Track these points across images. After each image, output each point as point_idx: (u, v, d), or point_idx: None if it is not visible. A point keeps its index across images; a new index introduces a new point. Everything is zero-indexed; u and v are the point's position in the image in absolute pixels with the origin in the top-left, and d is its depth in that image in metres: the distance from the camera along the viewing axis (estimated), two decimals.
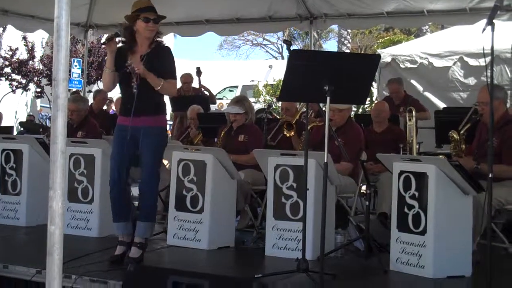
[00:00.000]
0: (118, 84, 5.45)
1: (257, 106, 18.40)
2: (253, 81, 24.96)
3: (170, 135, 9.76)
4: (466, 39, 10.58)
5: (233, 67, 30.70)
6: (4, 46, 18.69)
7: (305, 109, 6.30)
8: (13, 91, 16.97)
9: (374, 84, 11.41)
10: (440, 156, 5.63)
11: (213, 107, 13.15)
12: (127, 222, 5.40)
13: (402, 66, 11.11)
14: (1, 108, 10.21)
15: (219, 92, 25.03)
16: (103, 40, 5.32)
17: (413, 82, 10.94)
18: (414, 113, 7.37)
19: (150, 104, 5.24)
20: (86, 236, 6.45)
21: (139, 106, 5.21)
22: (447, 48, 10.95)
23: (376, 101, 11.13)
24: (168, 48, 5.38)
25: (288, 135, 6.98)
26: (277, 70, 24.55)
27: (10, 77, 18.57)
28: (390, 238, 5.35)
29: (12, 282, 5.15)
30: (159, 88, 5.20)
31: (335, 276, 4.93)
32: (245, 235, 6.55)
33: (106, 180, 6.45)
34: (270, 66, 29.45)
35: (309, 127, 5.38)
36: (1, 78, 18.58)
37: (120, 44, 5.37)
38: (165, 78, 5.25)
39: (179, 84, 8.82)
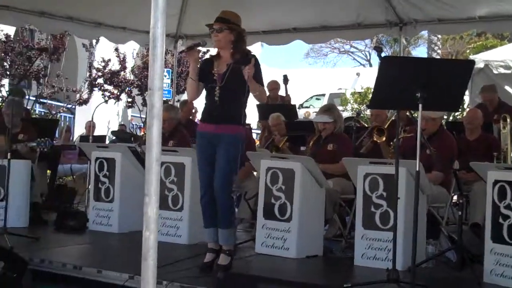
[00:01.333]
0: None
1: (344, 114, 18.23)
2: (340, 89, 24.80)
3: (258, 144, 9.80)
4: None
5: (320, 75, 30.59)
6: (97, 58, 19.21)
7: (394, 118, 6.21)
8: (106, 101, 17.43)
9: (466, 91, 11.12)
10: None
11: (300, 116, 13.15)
12: (215, 229, 5.43)
13: (495, 71, 10.80)
14: (95, 117, 10.50)
15: (306, 101, 25.00)
16: (183, 48, 5.38)
17: (508, 88, 10.61)
18: (508, 120, 7.13)
19: (232, 113, 5.27)
20: (176, 243, 6.55)
21: (220, 114, 5.28)
22: None
23: (467, 108, 10.85)
24: (254, 57, 5.35)
25: (378, 141, 6.88)
26: (365, 78, 24.30)
27: (103, 88, 19.08)
28: (484, 249, 5.19)
29: (105, 287, 5.27)
30: (256, 93, 5.24)
31: (427, 287, 4.81)
32: (333, 244, 6.51)
33: (196, 188, 6.53)
34: (358, 74, 29.20)
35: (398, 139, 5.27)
36: (95, 88, 19.11)
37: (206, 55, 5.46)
38: None
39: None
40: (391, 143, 6.70)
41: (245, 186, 7.21)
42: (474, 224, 6.45)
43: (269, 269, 5.56)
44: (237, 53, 5.34)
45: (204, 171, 5.41)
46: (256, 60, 5.34)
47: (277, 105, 9.97)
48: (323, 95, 25.23)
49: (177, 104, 12.26)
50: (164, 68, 3.06)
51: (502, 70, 10.77)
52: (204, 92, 5.52)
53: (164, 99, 17.90)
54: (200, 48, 5.75)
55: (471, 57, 12.68)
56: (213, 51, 5.55)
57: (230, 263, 5.34)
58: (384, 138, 6.76)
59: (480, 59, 11.07)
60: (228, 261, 5.33)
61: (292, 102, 10.83)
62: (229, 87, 5.27)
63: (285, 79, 10.55)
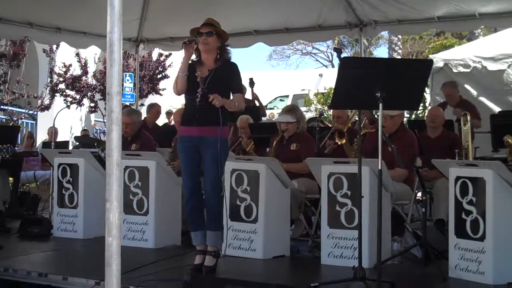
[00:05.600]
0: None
1: (308, 115, 18.32)
2: (303, 90, 24.90)
3: None
4: None
5: (283, 77, 30.66)
6: (58, 63, 19.04)
7: (357, 117, 6.26)
8: (68, 106, 17.28)
9: (427, 90, 11.25)
10: (497, 161, 5.52)
11: (264, 118, 13.15)
12: (204, 231, 5.46)
13: (455, 70, 10.94)
14: (57, 123, 10.39)
15: (269, 102, 25.04)
16: (184, 41, 5.43)
17: (467, 86, 10.75)
18: (469, 117, 7.23)
19: (213, 115, 5.31)
20: (142, 247, 6.52)
21: (203, 117, 5.31)
22: (501, 51, 10.75)
23: (429, 107, 10.96)
24: (235, 64, 5.48)
25: (339, 143, 6.93)
26: (328, 79, 24.45)
27: (64, 93, 18.92)
28: (448, 245, 5.27)
29: None
30: (233, 109, 5.39)
31: (393, 284, 4.86)
32: (300, 244, 6.53)
33: (161, 192, 6.57)
34: (321, 75, 29.33)
35: (361, 133, 5.32)
36: (56, 94, 18.93)
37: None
38: (232, 93, 5.44)
39: None
40: (354, 139, 6.75)
41: None
42: (438, 220, 6.53)
43: (236, 271, 5.56)
44: (221, 59, 5.43)
45: (189, 176, 5.43)
46: (236, 67, 5.46)
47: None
48: (287, 96, 25.31)
49: (141, 108, 12.22)
50: (122, 72, 3.06)
51: (461, 69, 10.91)
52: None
53: (128, 103, 17.82)
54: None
55: (431, 56, 12.81)
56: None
57: (216, 264, 5.40)
58: (344, 140, 6.82)
59: (439, 58, 11.21)
60: (214, 262, 5.39)
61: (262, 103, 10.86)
62: (211, 90, 5.30)
63: (251, 82, 10.56)
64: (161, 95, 20.22)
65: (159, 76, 20.39)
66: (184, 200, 5.54)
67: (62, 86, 19.07)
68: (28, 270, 5.51)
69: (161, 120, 14.24)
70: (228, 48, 5.55)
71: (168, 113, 15.76)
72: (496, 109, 10.25)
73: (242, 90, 5.56)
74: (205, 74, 5.39)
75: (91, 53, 19.17)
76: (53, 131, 10.87)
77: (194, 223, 5.48)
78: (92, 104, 19.60)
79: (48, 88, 18.94)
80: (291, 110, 7.22)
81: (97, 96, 19.39)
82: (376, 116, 5.26)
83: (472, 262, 5.03)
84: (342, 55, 5.01)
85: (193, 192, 5.41)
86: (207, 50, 5.42)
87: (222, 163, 5.39)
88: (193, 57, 5.57)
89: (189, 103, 5.47)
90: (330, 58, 38.31)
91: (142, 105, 17.58)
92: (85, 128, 19.20)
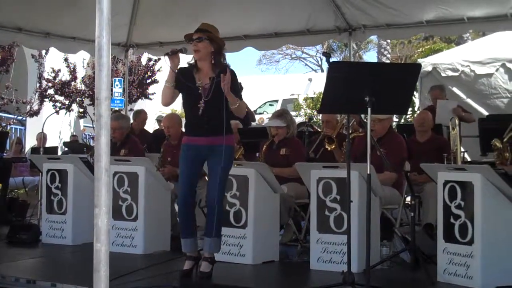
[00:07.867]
0: (182, 104, 5.49)
1: (297, 120, 18.32)
2: (293, 94, 24.94)
3: None
4: (508, 45, 10.42)
5: (273, 81, 30.71)
6: (47, 68, 18.99)
7: (346, 121, 6.28)
8: (57, 112, 17.21)
9: (416, 94, 11.29)
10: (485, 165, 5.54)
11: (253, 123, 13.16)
12: (194, 238, 5.45)
13: (443, 74, 10.98)
14: (46, 128, 10.34)
15: (259, 107, 25.05)
16: (167, 51, 5.37)
17: (455, 90, 10.80)
18: (457, 121, 7.26)
19: (219, 124, 5.29)
20: (132, 253, 6.49)
21: (209, 127, 5.28)
22: (489, 55, 10.80)
23: (418, 111, 10.99)
24: (233, 72, 5.38)
25: (329, 148, 6.95)
26: (317, 83, 24.48)
27: (53, 98, 18.87)
28: (437, 249, 5.28)
29: None
30: (235, 106, 5.25)
31: None
32: (289, 249, 6.53)
33: (150, 198, 6.55)
34: (310, 79, 29.38)
35: (350, 137, 5.32)
36: (45, 99, 18.87)
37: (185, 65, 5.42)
38: None
39: None
40: (343, 143, 6.76)
41: (199, 194, 7.19)
42: (427, 224, 6.55)
43: (225, 277, 5.54)
44: (217, 65, 5.32)
45: (186, 181, 5.40)
46: (234, 73, 5.35)
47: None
48: (276, 101, 25.33)
49: (130, 113, 12.19)
50: (111, 77, 3.05)
51: (449, 73, 10.95)
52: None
53: (117, 108, 17.78)
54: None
55: (419, 60, 12.87)
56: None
57: (212, 270, 5.38)
58: (334, 146, 6.84)
59: (428, 63, 11.25)
60: (209, 268, 5.37)
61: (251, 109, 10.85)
62: (214, 101, 5.27)
63: (240, 87, 10.55)
64: (150, 99, 20.19)
65: (148, 81, 20.37)
66: (178, 205, 5.51)
67: (51, 91, 19.01)
68: (16, 276, 5.48)
69: (150, 126, 14.21)
70: (224, 53, 5.46)
71: (159, 120, 15.71)
72: (485, 113, 10.31)
73: (241, 96, 5.47)
74: (206, 83, 5.32)
75: (80, 58, 19.14)
76: (42, 137, 10.83)
77: (184, 229, 5.46)
78: (81, 110, 19.54)
79: (37, 94, 18.88)
80: (282, 114, 7.23)
81: (86, 101, 19.34)
82: (364, 120, 5.26)
83: (461, 267, 5.04)
84: (331, 60, 5.00)
85: (187, 199, 5.39)
86: (199, 57, 5.36)
87: (228, 172, 5.40)
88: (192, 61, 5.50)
89: (192, 113, 5.39)
90: (320, 63, 38.38)
91: (131, 110, 17.53)
92: (74, 133, 19.14)
